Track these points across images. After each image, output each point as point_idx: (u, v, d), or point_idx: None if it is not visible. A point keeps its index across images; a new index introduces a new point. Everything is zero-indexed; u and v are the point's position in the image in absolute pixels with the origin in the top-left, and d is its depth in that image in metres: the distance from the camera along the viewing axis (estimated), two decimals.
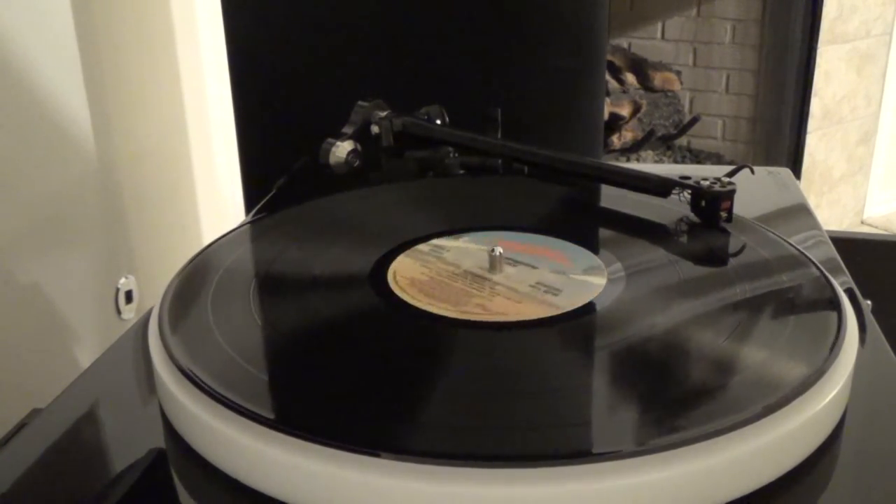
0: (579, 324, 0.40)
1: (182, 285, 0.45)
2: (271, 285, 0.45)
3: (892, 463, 0.34)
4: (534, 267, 0.46)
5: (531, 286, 0.44)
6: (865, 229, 2.23)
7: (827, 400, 0.34)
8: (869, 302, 0.48)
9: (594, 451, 0.31)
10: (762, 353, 0.37)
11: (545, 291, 0.43)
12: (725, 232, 0.50)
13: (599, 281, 0.44)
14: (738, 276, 0.44)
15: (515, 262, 0.46)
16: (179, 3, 1.14)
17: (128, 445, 0.37)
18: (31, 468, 0.36)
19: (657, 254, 0.47)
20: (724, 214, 0.50)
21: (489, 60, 0.79)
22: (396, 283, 0.44)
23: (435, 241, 0.49)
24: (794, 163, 1.98)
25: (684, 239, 0.50)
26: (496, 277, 0.45)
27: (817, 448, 0.35)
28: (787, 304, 0.42)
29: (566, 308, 0.41)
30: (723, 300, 0.42)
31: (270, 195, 0.65)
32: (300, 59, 0.80)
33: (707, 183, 0.51)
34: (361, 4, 0.77)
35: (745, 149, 2.11)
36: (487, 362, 0.38)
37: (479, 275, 0.45)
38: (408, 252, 0.47)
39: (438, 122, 0.63)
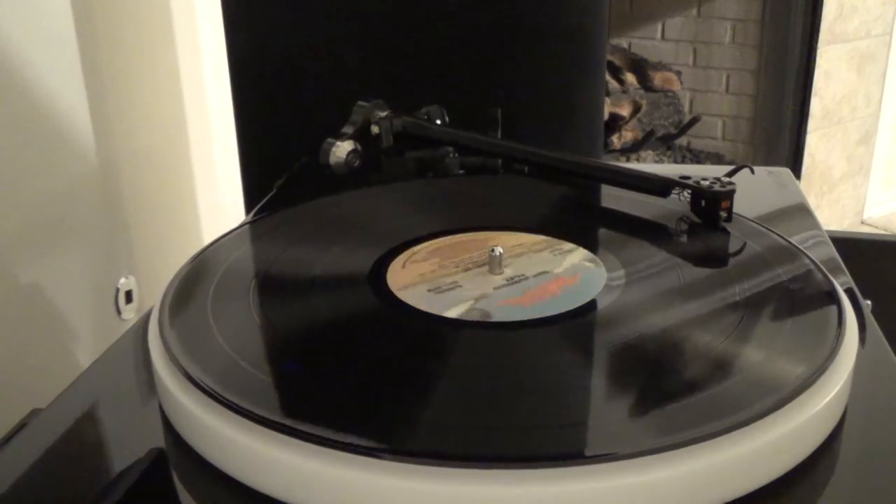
0: (579, 324, 0.40)
1: (182, 285, 0.45)
2: (271, 285, 0.45)
3: (892, 463, 0.34)
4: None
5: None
6: (865, 229, 2.23)
7: (827, 400, 0.34)
8: (869, 302, 0.48)
9: (594, 451, 0.31)
10: (762, 353, 0.37)
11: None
12: (725, 232, 0.50)
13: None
14: (738, 275, 0.44)
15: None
16: (179, 4, 1.14)
17: (128, 445, 0.37)
18: (31, 468, 0.36)
19: (657, 254, 0.47)
20: (724, 214, 0.50)
21: (489, 60, 0.79)
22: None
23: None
24: (794, 163, 1.98)
25: (684, 239, 0.50)
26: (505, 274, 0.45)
27: (817, 448, 0.35)
28: (786, 303, 0.42)
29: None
30: (723, 300, 0.42)
31: (270, 195, 0.65)
32: (300, 58, 0.80)
33: (707, 183, 0.51)
34: (361, 4, 0.77)
35: (745, 149, 2.11)
36: (487, 362, 0.38)
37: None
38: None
39: (438, 122, 0.63)
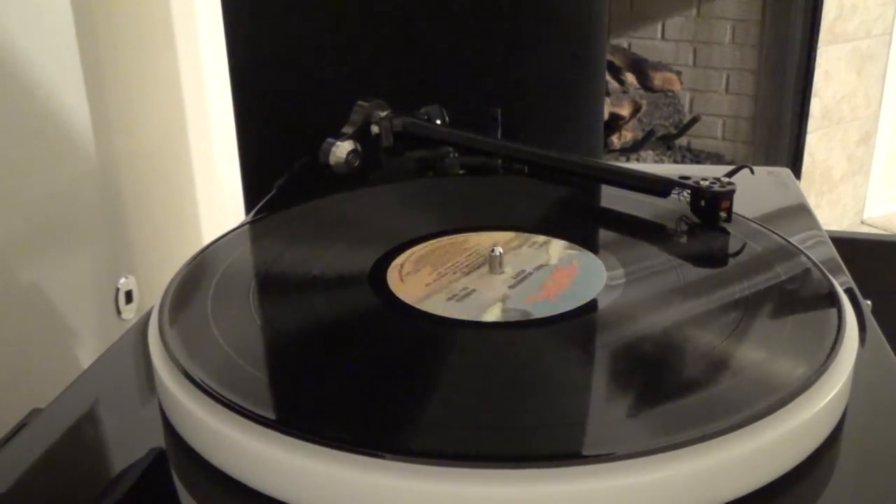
0: (579, 324, 0.40)
1: (182, 285, 0.45)
2: (271, 285, 0.45)
3: (892, 463, 0.34)
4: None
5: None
6: (865, 229, 2.23)
7: (827, 400, 0.34)
8: (869, 302, 0.48)
9: (594, 451, 0.31)
10: (762, 353, 0.37)
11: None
12: (725, 232, 0.50)
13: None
14: (738, 275, 0.44)
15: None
16: (179, 3, 1.14)
17: (128, 445, 0.37)
18: (31, 468, 0.36)
19: (657, 254, 0.47)
20: (723, 214, 0.50)
21: (489, 60, 0.79)
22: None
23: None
24: (794, 163, 1.98)
25: (684, 239, 0.50)
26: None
27: (817, 448, 0.35)
28: (786, 304, 0.42)
29: None
30: (722, 300, 0.42)
31: (270, 195, 0.65)
32: (300, 58, 0.80)
33: (707, 183, 0.51)
34: (361, 4, 0.77)
35: (745, 149, 2.11)
36: (487, 362, 0.38)
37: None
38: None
39: (438, 122, 0.63)
